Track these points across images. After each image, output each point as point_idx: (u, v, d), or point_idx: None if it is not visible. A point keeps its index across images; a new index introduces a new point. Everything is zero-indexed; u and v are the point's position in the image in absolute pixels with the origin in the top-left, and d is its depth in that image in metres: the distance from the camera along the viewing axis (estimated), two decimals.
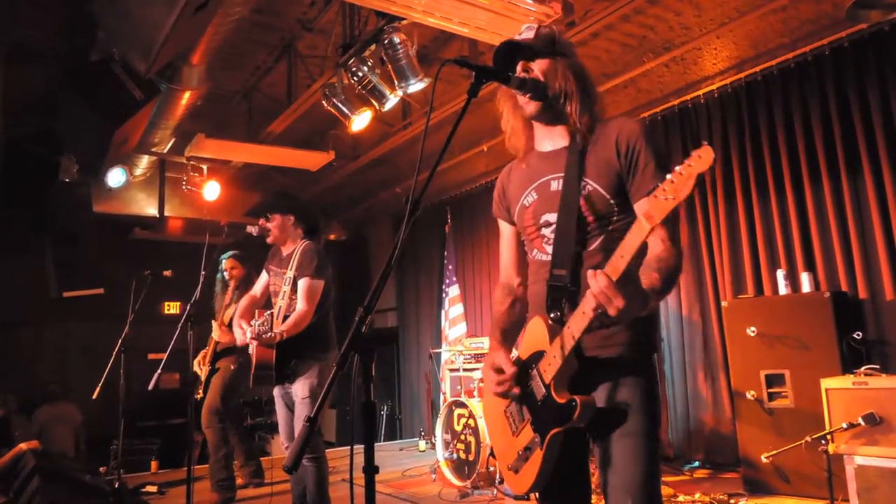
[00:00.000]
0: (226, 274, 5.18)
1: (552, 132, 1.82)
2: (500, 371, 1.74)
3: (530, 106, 1.76)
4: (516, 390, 1.73)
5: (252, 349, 3.37)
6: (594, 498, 1.89)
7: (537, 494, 1.80)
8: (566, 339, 1.58)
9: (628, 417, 1.63)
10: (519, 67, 1.76)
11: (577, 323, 1.54)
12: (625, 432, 1.62)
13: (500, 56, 1.75)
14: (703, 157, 1.30)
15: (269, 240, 3.64)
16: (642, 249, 1.61)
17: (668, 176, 1.33)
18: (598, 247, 1.69)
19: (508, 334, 1.89)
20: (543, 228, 1.78)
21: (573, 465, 1.76)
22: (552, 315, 1.68)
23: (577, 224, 1.69)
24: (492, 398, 1.84)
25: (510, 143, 1.90)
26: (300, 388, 3.35)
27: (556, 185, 1.75)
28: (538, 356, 1.68)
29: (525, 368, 1.72)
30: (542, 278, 1.75)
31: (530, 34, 1.78)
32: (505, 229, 1.99)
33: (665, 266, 1.54)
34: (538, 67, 1.75)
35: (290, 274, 3.49)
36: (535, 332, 1.72)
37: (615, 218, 1.68)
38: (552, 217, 1.75)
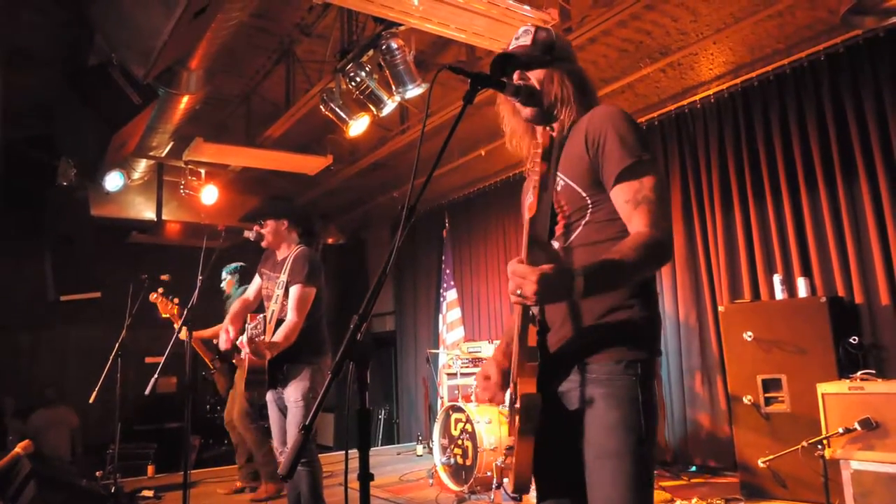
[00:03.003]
0: (223, 284, 5.51)
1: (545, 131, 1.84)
2: (486, 378, 1.78)
3: (525, 111, 1.78)
4: (500, 397, 1.75)
5: (244, 354, 3.37)
6: None
7: (534, 495, 1.80)
8: (516, 331, 1.57)
9: (606, 433, 1.52)
10: (515, 76, 1.76)
11: (516, 313, 1.54)
12: (602, 452, 1.52)
13: (497, 65, 1.74)
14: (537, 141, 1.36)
15: (263, 244, 3.66)
16: (613, 234, 1.60)
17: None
18: (577, 241, 1.66)
19: (511, 344, 1.86)
20: None
21: (565, 467, 1.71)
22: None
23: (554, 220, 1.68)
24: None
25: (510, 144, 1.91)
26: (292, 392, 3.34)
27: None
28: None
29: (509, 372, 1.75)
30: None
31: (527, 39, 1.77)
32: None
33: (617, 249, 1.47)
34: (534, 77, 1.75)
35: (283, 278, 3.49)
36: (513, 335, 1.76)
37: (590, 210, 1.63)
38: None
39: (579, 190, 1.65)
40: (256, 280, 3.75)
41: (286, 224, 3.62)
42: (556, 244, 1.69)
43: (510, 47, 1.80)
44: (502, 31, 4.02)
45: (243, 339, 3.32)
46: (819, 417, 3.58)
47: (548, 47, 1.76)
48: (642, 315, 1.61)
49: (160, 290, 5.08)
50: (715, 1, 4.34)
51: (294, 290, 3.40)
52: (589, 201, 1.64)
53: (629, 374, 1.56)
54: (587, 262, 1.49)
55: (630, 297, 1.60)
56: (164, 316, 5.12)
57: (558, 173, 1.69)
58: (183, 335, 3.55)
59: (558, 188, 1.68)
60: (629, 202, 1.55)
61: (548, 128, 1.80)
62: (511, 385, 1.65)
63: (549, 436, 1.60)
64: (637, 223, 1.52)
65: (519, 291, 1.36)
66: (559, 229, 1.68)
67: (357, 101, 4.83)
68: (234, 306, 3.70)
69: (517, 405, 1.57)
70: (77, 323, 7.94)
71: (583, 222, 1.65)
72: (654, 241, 1.48)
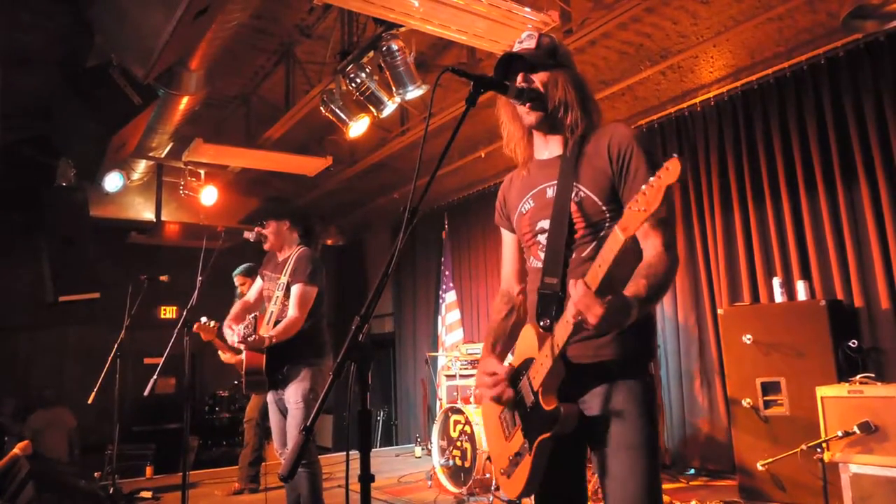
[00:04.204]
0: (238, 291, 5.46)
1: (550, 141, 1.83)
2: (492, 375, 1.75)
3: (530, 116, 1.78)
4: (510, 393, 1.72)
5: (243, 355, 3.37)
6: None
7: (533, 498, 1.81)
8: (552, 347, 1.59)
9: (625, 429, 1.61)
10: (519, 78, 1.77)
11: (561, 331, 1.55)
12: (622, 445, 1.60)
13: (502, 66, 1.77)
14: (670, 170, 1.30)
15: (266, 246, 3.66)
16: (633, 255, 1.63)
17: (642, 187, 1.35)
18: (590, 254, 1.68)
19: (500, 343, 1.89)
20: (539, 235, 1.79)
21: (569, 471, 1.76)
22: (542, 323, 1.69)
23: (569, 231, 1.70)
24: (488, 403, 1.86)
25: (508, 148, 1.91)
26: (293, 394, 3.34)
27: (551, 193, 1.77)
28: (529, 363, 1.69)
29: (517, 375, 1.73)
30: (535, 287, 1.77)
31: (531, 43, 1.78)
32: (507, 238, 2.00)
33: (653, 273, 1.53)
34: (539, 79, 1.76)
35: (283, 279, 3.49)
36: (526, 340, 1.74)
37: (608, 224, 1.67)
38: (546, 224, 1.76)
39: (599, 203, 1.68)
40: (258, 282, 3.76)
41: (287, 224, 3.63)
42: (574, 255, 1.71)
43: (514, 49, 1.80)
44: (503, 32, 4.02)
45: (234, 339, 3.30)
46: (818, 421, 3.58)
47: (551, 52, 1.78)
48: (645, 317, 1.68)
49: (203, 320, 4.79)
50: (715, 4, 4.35)
51: (296, 289, 3.41)
52: (608, 214, 1.68)
53: (638, 372, 1.66)
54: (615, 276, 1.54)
55: None
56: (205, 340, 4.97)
57: (577, 185, 1.70)
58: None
59: (577, 200, 1.70)
60: (648, 222, 1.58)
61: (549, 136, 1.82)
62: (529, 395, 1.67)
63: (563, 444, 1.65)
64: (654, 242, 1.61)
65: (580, 318, 1.42)
66: (578, 238, 1.71)
67: (357, 102, 4.83)
68: (234, 307, 3.70)
69: (551, 415, 1.60)
70: (76, 324, 7.92)
71: (600, 234, 1.68)
72: (674, 261, 1.60)
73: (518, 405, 1.72)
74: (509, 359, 1.85)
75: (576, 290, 1.41)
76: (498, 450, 1.82)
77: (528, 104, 1.75)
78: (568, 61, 1.81)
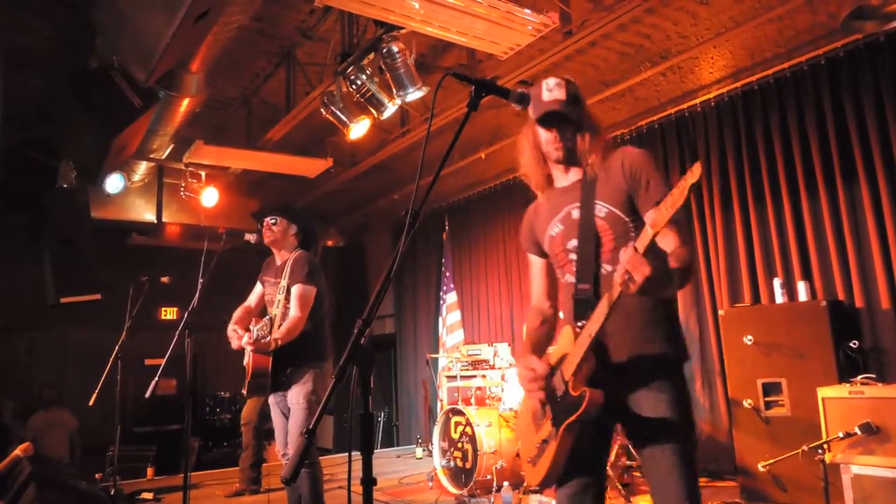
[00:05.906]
0: None
1: (569, 172, 2.04)
2: (532, 370, 1.91)
3: (558, 153, 1.98)
4: (542, 394, 1.88)
5: (248, 358, 3.39)
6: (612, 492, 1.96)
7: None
8: (588, 332, 1.74)
9: (667, 429, 1.77)
10: (555, 134, 1.96)
11: (604, 303, 1.70)
12: (666, 446, 1.76)
13: (546, 119, 1.95)
14: (693, 172, 1.50)
15: (266, 241, 3.68)
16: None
17: (672, 190, 1.53)
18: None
19: (537, 347, 2.09)
20: (571, 254, 1.98)
21: (590, 453, 1.91)
22: (579, 324, 1.85)
23: (596, 244, 1.91)
24: (525, 406, 2.07)
25: (524, 172, 2.11)
26: (295, 395, 3.38)
27: (576, 214, 1.97)
28: (563, 359, 1.86)
29: (552, 371, 1.89)
30: (570, 295, 1.94)
31: (561, 93, 1.93)
32: (535, 262, 2.19)
33: (682, 258, 1.73)
34: (570, 129, 1.96)
35: (283, 283, 3.54)
36: (563, 339, 1.90)
37: (633, 234, 1.86)
38: (576, 242, 1.96)
39: (622, 215, 1.90)
40: (258, 287, 3.78)
41: (295, 228, 3.73)
42: (608, 266, 1.87)
43: (544, 98, 1.94)
44: (503, 34, 4.03)
45: (245, 340, 3.33)
46: (819, 421, 3.58)
47: (576, 98, 1.97)
48: (674, 320, 1.93)
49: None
50: (715, 5, 4.35)
51: (296, 289, 3.47)
52: (631, 225, 1.90)
53: (676, 374, 1.86)
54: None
55: (672, 303, 1.95)
56: None
57: (599, 201, 1.92)
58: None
59: (601, 214, 1.92)
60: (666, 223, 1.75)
61: (569, 168, 2.03)
62: (560, 385, 1.83)
63: (585, 429, 1.81)
64: (672, 239, 1.80)
65: (628, 276, 1.54)
66: (608, 250, 1.89)
67: (357, 104, 4.83)
68: (236, 312, 3.71)
69: (578, 400, 1.74)
70: (77, 325, 7.93)
71: (628, 241, 1.84)
72: (693, 253, 1.81)
73: (549, 397, 1.87)
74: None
75: (625, 253, 1.56)
76: (528, 440, 1.99)
77: (556, 144, 1.96)
78: (583, 99, 2.01)
